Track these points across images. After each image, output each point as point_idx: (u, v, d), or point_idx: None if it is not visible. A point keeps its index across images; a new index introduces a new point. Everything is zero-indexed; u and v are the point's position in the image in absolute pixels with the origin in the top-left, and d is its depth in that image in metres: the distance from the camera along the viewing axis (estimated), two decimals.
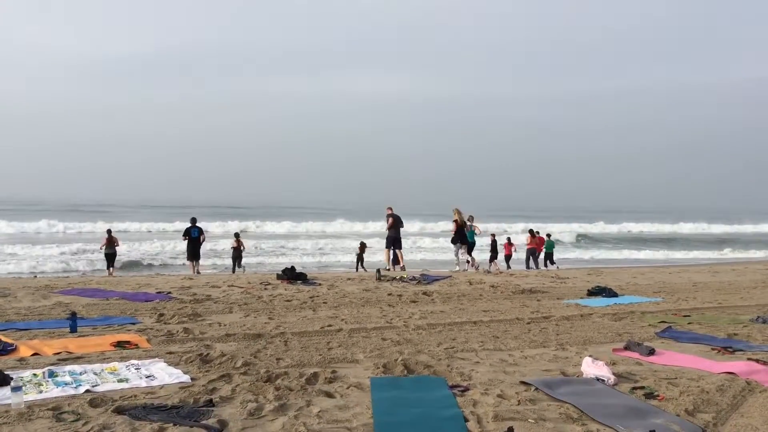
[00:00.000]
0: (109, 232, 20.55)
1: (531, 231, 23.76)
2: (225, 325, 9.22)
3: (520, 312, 10.95)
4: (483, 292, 13.65)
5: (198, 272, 19.20)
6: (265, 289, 13.71)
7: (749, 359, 7.22)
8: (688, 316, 10.64)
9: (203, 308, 10.80)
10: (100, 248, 20.82)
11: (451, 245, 19.27)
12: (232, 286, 14.09)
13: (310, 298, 12.29)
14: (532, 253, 22.98)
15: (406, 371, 6.58)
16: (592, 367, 6.39)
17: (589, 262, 30.85)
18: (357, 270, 19.93)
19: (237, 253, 21.30)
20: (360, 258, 21.01)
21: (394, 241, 17.54)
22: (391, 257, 18.09)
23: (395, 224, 17.95)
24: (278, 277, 15.66)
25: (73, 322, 8.53)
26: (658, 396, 5.68)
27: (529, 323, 9.83)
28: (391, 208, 18.96)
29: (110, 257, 20.02)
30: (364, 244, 21.90)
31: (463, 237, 18.28)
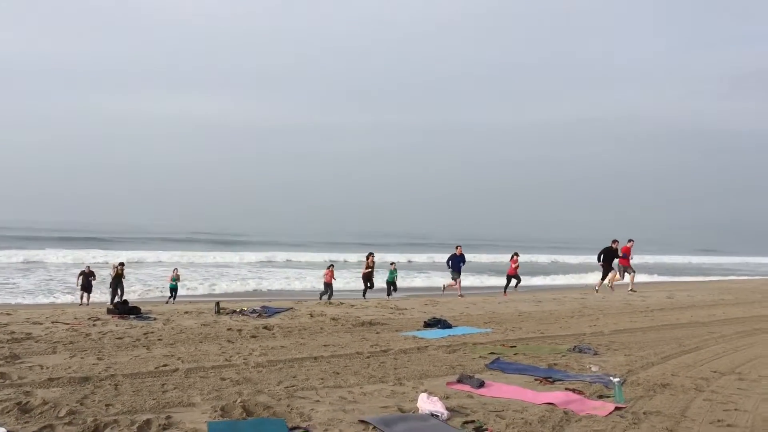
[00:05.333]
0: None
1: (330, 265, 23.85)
2: (48, 367, 8.55)
3: (360, 346, 11.15)
4: (324, 326, 13.73)
5: None
6: (94, 325, 12.88)
7: (566, 389, 7.87)
8: (515, 346, 11.37)
9: (23, 348, 9.94)
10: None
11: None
12: (57, 322, 13.09)
13: (144, 334, 11.73)
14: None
15: (245, 413, 6.47)
16: (427, 403, 6.66)
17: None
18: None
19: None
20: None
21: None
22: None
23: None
24: (109, 311, 14.82)
25: None
26: (486, 429, 6.04)
27: (368, 357, 10.04)
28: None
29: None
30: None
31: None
